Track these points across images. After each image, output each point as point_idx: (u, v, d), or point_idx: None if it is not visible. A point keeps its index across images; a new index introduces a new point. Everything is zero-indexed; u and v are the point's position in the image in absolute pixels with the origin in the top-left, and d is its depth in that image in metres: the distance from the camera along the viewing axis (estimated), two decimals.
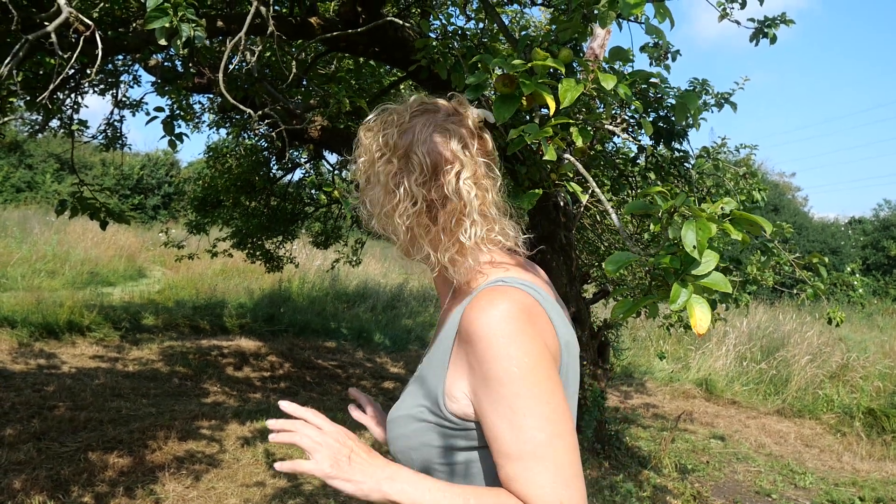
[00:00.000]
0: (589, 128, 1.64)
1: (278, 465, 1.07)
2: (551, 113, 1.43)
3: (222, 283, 12.57)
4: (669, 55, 4.04)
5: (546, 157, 1.36)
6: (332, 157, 7.85)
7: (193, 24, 2.28)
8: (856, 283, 4.46)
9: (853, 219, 32.27)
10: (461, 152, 1.17)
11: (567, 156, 1.50)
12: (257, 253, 8.28)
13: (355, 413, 1.42)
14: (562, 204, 4.67)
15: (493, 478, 1.07)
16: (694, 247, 1.17)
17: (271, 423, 1.13)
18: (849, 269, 4.58)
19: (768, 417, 8.47)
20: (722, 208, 1.26)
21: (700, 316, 1.19)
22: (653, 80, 1.60)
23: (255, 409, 6.20)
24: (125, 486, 4.27)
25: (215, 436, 5.34)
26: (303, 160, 8.03)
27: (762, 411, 8.75)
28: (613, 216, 1.37)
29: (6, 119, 4.62)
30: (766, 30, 3.60)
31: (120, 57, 5.61)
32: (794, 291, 4.68)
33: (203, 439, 5.22)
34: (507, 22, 5.74)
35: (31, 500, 3.90)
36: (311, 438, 1.09)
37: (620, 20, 1.59)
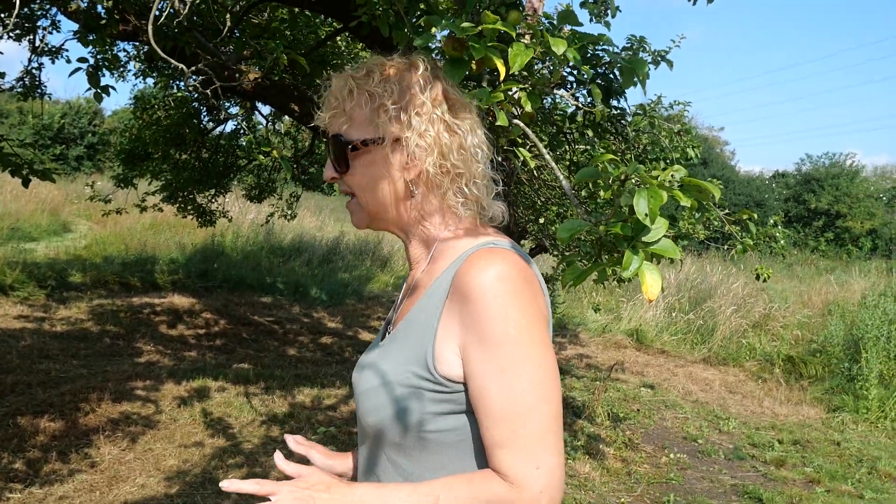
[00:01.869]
0: (536, 92, 1.63)
1: None
2: (501, 78, 1.41)
3: (152, 238, 12.19)
4: (609, 11, 4.04)
5: (498, 123, 1.34)
6: (266, 109, 7.66)
7: None
8: (778, 234, 4.61)
9: (777, 172, 33.46)
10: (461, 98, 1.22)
11: (516, 121, 1.49)
12: (189, 207, 8.05)
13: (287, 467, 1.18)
14: (499, 159, 4.67)
15: (480, 443, 1.07)
16: (646, 214, 1.18)
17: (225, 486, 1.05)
18: (771, 221, 4.74)
19: (695, 366, 8.83)
20: (672, 175, 1.27)
21: (651, 283, 1.21)
22: (602, 46, 1.59)
23: (190, 367, 6.11)
24: (58, 451, 4.17)
25: (150, 396, 5.24)
26: (234, 112, 7.78)
27: (689, 360, 9.11)
28: (564, 183, 1.37)
29: None
30: None
31: (37, 1, 5.27)
32: (724, 246, 4.83)
33: (138, 400, 5.13)
34: None
35: None
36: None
37: None
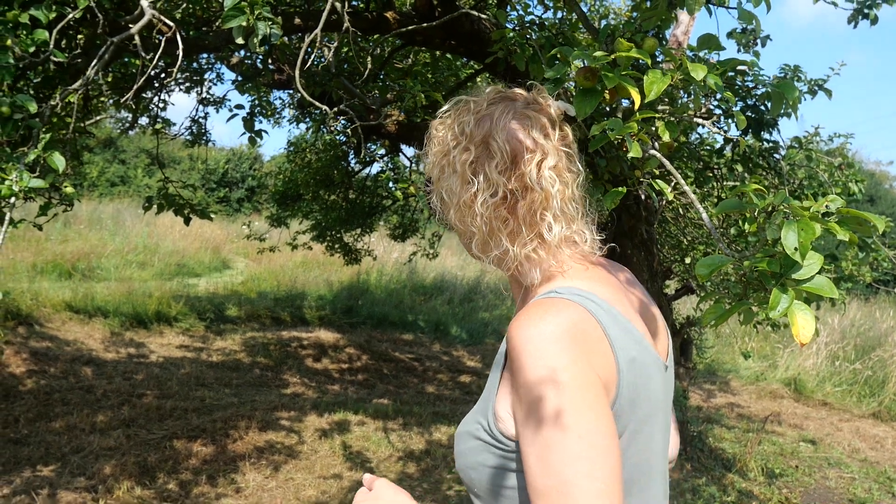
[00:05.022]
0: (675, 121, 1.54)
1: None
2: (636, 107, 1.34)
3: (302, 275, 12.80)
4: (759, 41, 3.84)
5: (631, 154, 1.28)
6: (410, 151, 7.89)
7: (269, 22, 2.29)
8: None
9: None
10: (543, 140, 1.11)
11: (652, 151, 1.42)
12: (336, 246, 8.39)
13: None
14: (643, 197, 4.53)
15: None
16: (795, 249, 1.06)
17: None
18: None
19: (863, 421, 8.05)
20: (826, 206, 1.15)
21: (803, 324, 1.08)
22: (741, 67, 1.49)
23: (332, 401, 6.28)
24: (208, 475, 4.38)
25: (294, 427, 5.43)
26: (379, 154, 8.08)
27: (856, 414, 8.32)
28: (704, 216, 1.28)
29: (97, 118, 4.79)
30: (865, 10, 3.37)
31: (204, 56, 5.75)
32: (894, 290, 4.41)
33: (282, 430, 5.32)
34: (585, 10, 5.60)
35: (119, 485, 4.05)
36: None
37: (710, 5, 1.49)
